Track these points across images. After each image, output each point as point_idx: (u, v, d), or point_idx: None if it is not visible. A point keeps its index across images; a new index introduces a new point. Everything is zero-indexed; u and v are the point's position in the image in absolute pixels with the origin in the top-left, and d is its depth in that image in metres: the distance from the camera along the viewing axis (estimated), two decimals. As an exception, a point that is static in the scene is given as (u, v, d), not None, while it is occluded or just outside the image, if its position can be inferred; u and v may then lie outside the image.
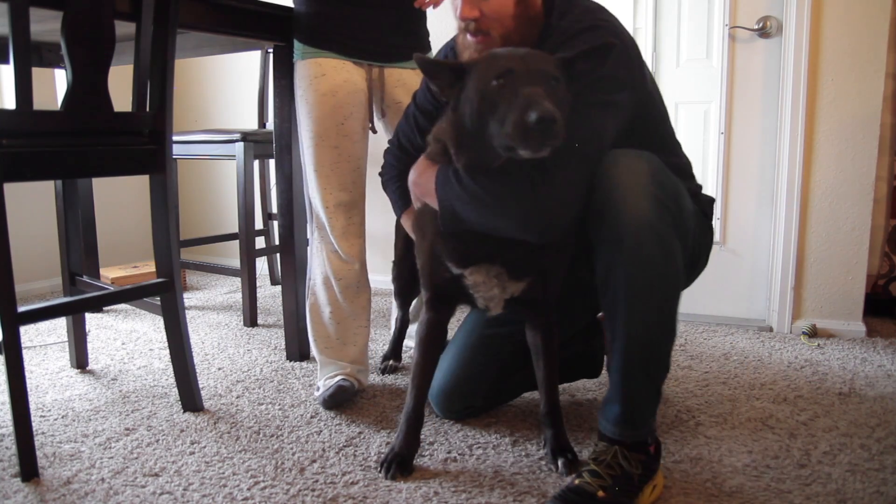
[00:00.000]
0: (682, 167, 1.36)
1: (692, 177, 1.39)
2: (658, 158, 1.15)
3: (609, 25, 1.22)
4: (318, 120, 1.58)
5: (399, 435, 1.35)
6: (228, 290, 2.98)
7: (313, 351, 1.73)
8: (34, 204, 2.68)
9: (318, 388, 1.66)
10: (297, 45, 1.64)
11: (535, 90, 1.01)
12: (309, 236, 1.72)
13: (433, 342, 1.37)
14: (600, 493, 1.13)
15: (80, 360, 1.93)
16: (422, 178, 1.26)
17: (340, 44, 1.59)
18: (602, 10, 1.26)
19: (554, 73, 1.07)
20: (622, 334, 1.12)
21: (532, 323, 1.35)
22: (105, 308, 2.58)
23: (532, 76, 1.04)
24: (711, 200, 1.41)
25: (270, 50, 2.73)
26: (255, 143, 2.34)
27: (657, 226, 1.07)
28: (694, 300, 2.35)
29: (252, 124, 3.13)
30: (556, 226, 1.14)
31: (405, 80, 1.68)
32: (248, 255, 2.38)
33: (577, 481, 1.17)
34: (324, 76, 1.58)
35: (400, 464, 1.30)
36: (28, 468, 1.29)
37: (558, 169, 1.11)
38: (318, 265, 1.69)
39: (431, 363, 1.38)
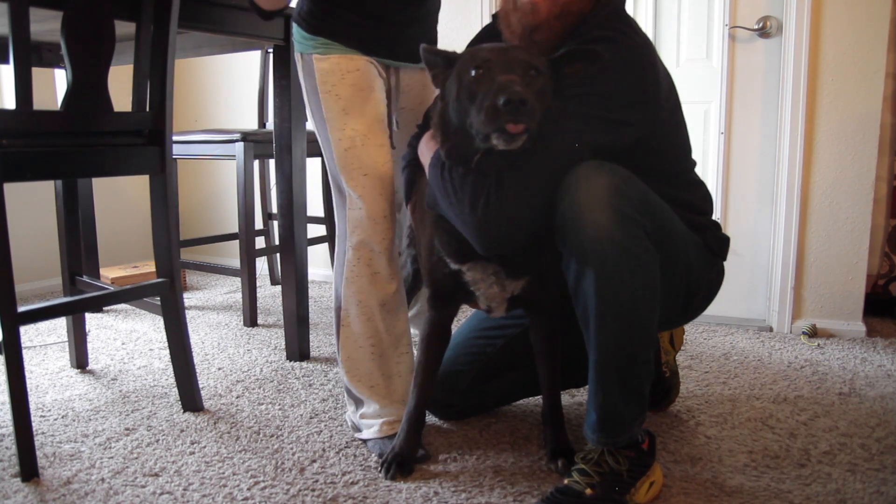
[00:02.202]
0: (690, 203, 1.31)
1: (704, 213, 1.35)
2: (627, 171, 1.11)
3: (625, 39, 1.16)
4: (359, 116, 1.38)
5: (400, 435, 1.35)
6: (228, 290, 2.98)
7: (353, 390, 1.47)
8: (34, 204, 2.68)
9: (361, 429, 1.46)
10: (312, 38, 1.41)
11: (509, 77, 1.03)
12: (338, 255, 1.46)
13: (436, 341, 1.37)
14: (588, 491, 1.14)
15: (80, 360, 1.93)
16: (425, 148, 1.29)
17: (368, 43, 1.42)
18: (628, 23, 1.22)
19: (535, 63, 1.08)
20: (594, 346, 1.12)
21: (535, 324, 1.35)
22: (105, 308, 2.57)
23: (509, 65, 1.05)
24: (725, 239, 1.36)
25: (270, 50, 2.74)
26: (255, 143, 2.34)
27: (619, 238, 1.05)
28: (694, 300, 2.35)
29: (252, 124, 3.13)
30: (500, 241, 1.13)
31: (415, 83, 1.54)
32: (248, 255, 2.38)
33: (566, 481, 1.17)
34: (358, 71, 1.39)
35: (400, 464, 1.30)
36: (28, 468, 1.29)
37: (513, 183, 1.09)
38: (354, 293, 1.43)
39: (434, 363, 1.38)
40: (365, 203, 1.38)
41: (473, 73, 1.07)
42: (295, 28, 1.45)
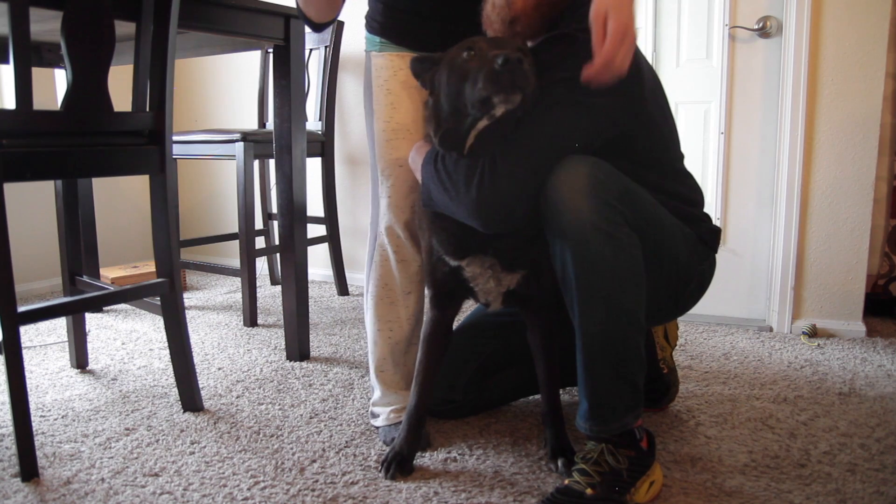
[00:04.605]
0: (679, 193, 1.33)
1: (696, 204, 1.37)
2: (610, 166, 1.14)
3: None
4: (406, 111, 1.42)
5: (400, 434, 1.35)
6: (228, 290, 2.98)
7: (370, 373, 1.55)
8: (34, 204, 2.68)
9: (377, 415, 1.51)
10: (375, 39, 1.47)
11: (502, 49, 1.08)
12: (370, 240, 1.52)
13: (437, 340, 1.38)
14: (589, 491, 1.13)
15: (80, 360, 1.93)
16: (416, 155, 1.33)
17: (423, 42, 1.45)
18: None
19: (522, 46, 1.13)
20: (581, 331, 1.14)
21: (532, 323, 1.36)
22: (105, 308, 2.58)
23: (499, 45, 1.10)
24: (717, 230, 1.38)
25: (270, 50, 2.74)
26: (255, 143, 2.34)
27: (600, 223, 1.08)
28: (694, 300, 2.35)
29: (252, 124, 3.13)
30: (499, 217, 1.15)
31: None
32: (248, 255, 2.38)
33: (566, 481, 1.17)
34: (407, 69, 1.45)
35: (400, 463, 1.30)
36: (28, 468, 1.29)
37: (506, 161, 1.13)
38: (381, 277, 1.49)
39: (435, 361, 1.38)
40: (394, 192, 1.44)
41: (465, 54, 1.12)
42: (365, 32, 1.53)
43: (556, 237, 1.12)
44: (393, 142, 1.43)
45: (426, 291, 1.38)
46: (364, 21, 1.52)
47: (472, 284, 1.28)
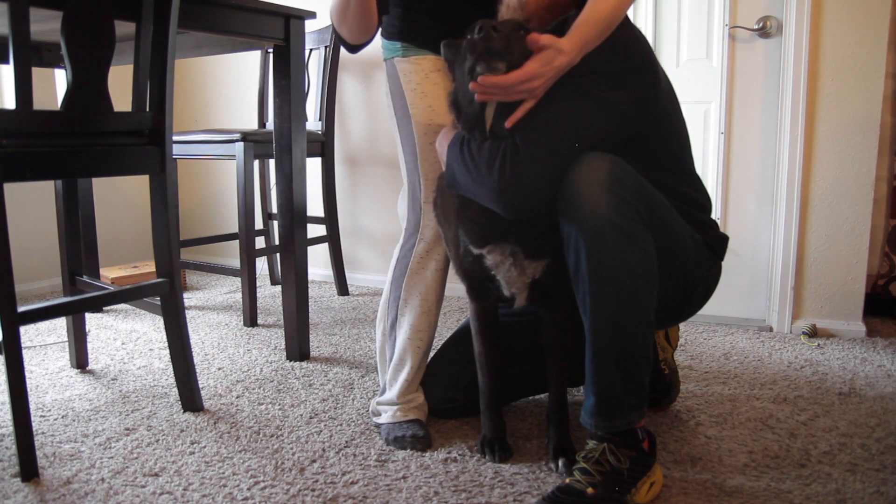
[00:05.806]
0: (691, 198, 1.34)
1: (705, 210, 1.37)
2: (628, 165, 1.15)
3: (620, 28, 1.20)
4: (442, 112, 1.40)
5: (486, 423, 1.41)
6: (228, 290, 2.98)
7: (386, 378, 1.54)
8: (34, 204, 2.68)
9: (380, 413, 1.51)
10: (392, 43, 1.45)
11: (492, 23, 1.10)
12: (403, 247, 1.51)
13: (487, 329, 1.41)
14: (590, 490, 1.13)
15: (80, 360, 1.93)
16: (443, 139, 1.34)
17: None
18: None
19: (524, 25, 1.14)
20: (591, 325, 1.14)
21: (551, 318, 1.36)
22: (105, 308, 2.58)
23: (500, 24, 1.11)
24: (725, 238, 1.39)
25: (270, 50, 2.74)
26: (255, 143, 2.34)
27: (616, 219, 1.09)
28: (694, 300, 2.35)
29: (252, 124, 3.13)
30: (520, 200, 1.16)
31: None
32: (248, 255, 2.38)
33: (567, 480, 1.17)
34: (440, 71, 1.42)
35: (501, 448, 1.37)
36: (28, 468, 1.29)
37: (527, 145, 1.14)
38: (416, 284, 1.49)
39: (494, 347, 1.42)
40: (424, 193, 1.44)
41: (469, 36, 1.12)
42: (381, 39, 1.50)
43: (572, 229, 1.12)
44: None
45: (463, 283, 1.40)
46: (381, 31, 1.49)
47: (494, 273, 1.29)
